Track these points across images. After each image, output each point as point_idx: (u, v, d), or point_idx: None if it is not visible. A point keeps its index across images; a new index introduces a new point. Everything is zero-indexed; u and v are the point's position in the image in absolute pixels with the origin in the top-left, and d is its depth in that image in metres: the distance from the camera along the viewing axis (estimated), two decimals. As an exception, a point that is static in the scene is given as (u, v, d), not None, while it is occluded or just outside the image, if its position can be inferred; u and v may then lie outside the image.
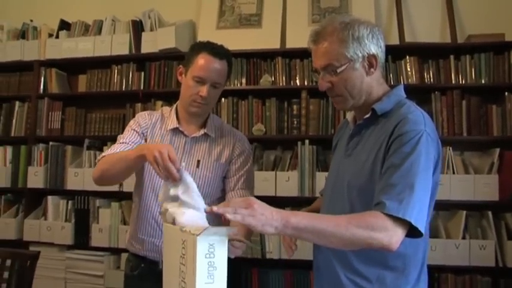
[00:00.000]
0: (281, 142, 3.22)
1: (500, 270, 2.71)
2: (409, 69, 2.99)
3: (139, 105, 3.29)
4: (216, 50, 1.87)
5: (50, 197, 3.33)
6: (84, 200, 3.25)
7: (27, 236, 3.28)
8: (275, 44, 3.18)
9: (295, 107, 3.08)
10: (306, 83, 3.08)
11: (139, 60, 3.35)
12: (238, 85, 3.18)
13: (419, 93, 2.95)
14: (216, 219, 1.21)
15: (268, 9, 3.29)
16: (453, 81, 2.94)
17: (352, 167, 1.46)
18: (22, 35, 3.63)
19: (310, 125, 3.04)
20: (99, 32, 3.46)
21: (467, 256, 2.70)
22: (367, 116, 1.46)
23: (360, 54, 1.42)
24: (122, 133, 1.97)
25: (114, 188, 3.05)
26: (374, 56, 1.44)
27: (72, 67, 3.57)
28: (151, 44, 3.28)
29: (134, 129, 1.94)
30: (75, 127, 3.42)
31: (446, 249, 2.71)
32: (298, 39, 3.00)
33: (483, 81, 2.91)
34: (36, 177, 3.33)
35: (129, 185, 2.83)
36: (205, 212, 1.22)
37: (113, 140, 2.05)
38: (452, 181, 2.77)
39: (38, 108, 3.45)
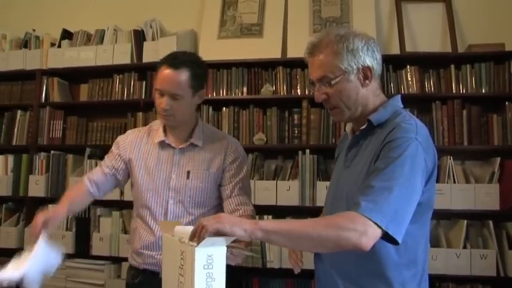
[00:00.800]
0: (282, 151, 3.22)
1: (501, 280, 2.70)
2: (409, 79, 2.99)
3: (140, 114, 3.30)
4: (174, 61, 1.84)
5: (51, 206, 3.32)
6: (85, 208, 3.24)
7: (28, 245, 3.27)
8: (276, 54, 3.20)
9: (296, 116, 3.08)
10: (307, 93, 3.08)
11: (140, 70, 3.36)
12: (240, 94, 3.19)
13: (420, 103, 2.97)
14: None
15: (269, 19, 3.31)
16: (454, 91, 2.95)
17: (350, 179, 1.47)
18: (24, 44, 3.65)
19: (311, 135, 3.05)
20: (101, 41, 3.49)
21: (468, 265, 2.69)
22: (364, 127, 1.47)
23: (355, 66, 1.43)
24: None
25: (115, 196, 3.06)
26: (369, 68, 1.45)
27: (74, 76, 3.59)
28: (152, 53, 3.28)
29: (112, 151, 2.03)
30: (77, 136, 3.44)
31: (447, 259, 2.70)
32: (299, 48, 2.96)
33: (484, 91, 2.91)
34: (37, 186, 3.33)
35: (130, 194, 2.83)
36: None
37: (114, 149, 2.08)
38: (453, 190, 2.77)
39: (40, 117, 3.46)
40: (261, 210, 2.92)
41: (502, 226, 2.82)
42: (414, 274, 1.41)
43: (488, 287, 2.74)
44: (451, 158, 2.81)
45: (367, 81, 1.46)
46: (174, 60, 1.84)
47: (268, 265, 2.91)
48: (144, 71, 3.35)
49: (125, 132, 3.22)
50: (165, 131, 1.97)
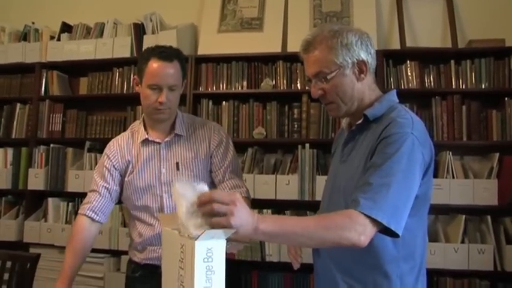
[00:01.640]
0: (281, 146, 3.22)
1: (499, 274, 2.71)
2: (409, 74, 2.99)
3: (140, 107, 3.29)
4: (164, 53, 1.84)
5: (50, 199, 3.33)
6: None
7: (28, 238, 3.28)
8: (276, 48, 3.19)
9: (295, 110, 3.09)
10: (306, 87, 3.07)
11: (140, 63, 3.35)
12: (239, 88, 3.19)
13: (419, 98, 2.97)
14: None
15: (269, 13, 3.31)
16: (453, 86, 2.95)
17: (347, 173, 1.48)
18: (24, 37, 3.64)
19: (310, 129, 3.05)
20: (101, 34, 3.48)
21: (466, 260, 2.70)
22: (359, 122, 1.48)
23: (350, 61, 1.44)
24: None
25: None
26: (364, 62, 1.46)
27: (73, 69, 3.58)
28: (152, 47, 3.28)
29: (105, 166, 1.97)
30: (76, 129, 3.44)
31: (446, 253, 2.71)
32: (300, 43, 3.00)
33: (483, 86, 2.91)
34: (36, 179, 3.34)
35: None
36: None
37: (114, 142, 2.07)
38: (451, 185, 2.78)
39: (39, 110, 3.46)
40: (260, 204, 2.93)
41: (500, 221, 2.83)
42: (412, 267, 1.42)
43: (486, 282, 2.74)
44: (450, 153, 2.82)
45: (362, 76, 1.47)
46: (164, 53, 1.84)
47: (267, 259, 2.92)
48: (144, 64, 3.34)
49: (124, 126, 3.28)
50: (145, 129, 1.97)
